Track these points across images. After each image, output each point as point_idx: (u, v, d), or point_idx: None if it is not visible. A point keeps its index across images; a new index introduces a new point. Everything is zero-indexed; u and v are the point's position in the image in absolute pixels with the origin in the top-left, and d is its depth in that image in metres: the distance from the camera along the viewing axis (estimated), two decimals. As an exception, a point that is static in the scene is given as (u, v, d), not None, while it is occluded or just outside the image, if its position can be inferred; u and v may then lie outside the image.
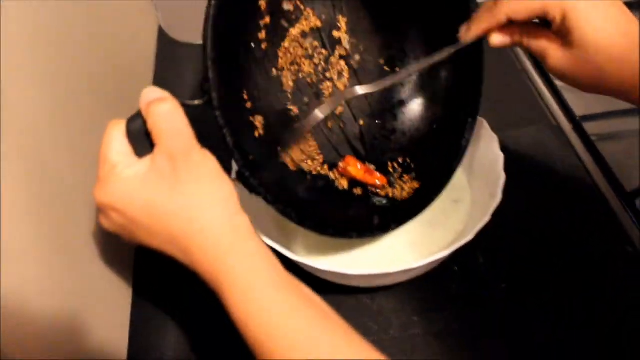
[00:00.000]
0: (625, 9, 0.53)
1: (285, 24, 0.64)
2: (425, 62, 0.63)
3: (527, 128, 0.85)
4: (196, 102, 0.51)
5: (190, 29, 1.03)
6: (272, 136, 0.62)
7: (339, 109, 0.70)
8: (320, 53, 0.68)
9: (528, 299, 0.68)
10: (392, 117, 0.73)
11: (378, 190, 0.69)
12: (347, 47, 0.70)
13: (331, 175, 0.68)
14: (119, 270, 0.66)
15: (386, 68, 0.72)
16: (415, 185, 0.69)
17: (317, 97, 0.68)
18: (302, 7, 0.64)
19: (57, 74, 0.56)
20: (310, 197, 0.65)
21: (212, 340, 0.67)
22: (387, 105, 0.73)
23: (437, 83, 0.71)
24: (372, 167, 0.70)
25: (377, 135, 0.72)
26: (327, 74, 0.69)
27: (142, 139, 0.48)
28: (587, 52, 0.52)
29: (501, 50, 0.93)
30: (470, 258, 0.70)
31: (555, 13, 0.53)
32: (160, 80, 0.95)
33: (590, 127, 0.84)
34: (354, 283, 0.64)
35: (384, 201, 0.69)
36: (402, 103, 0.73)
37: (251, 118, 0.60)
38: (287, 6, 0.63)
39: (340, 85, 0.70)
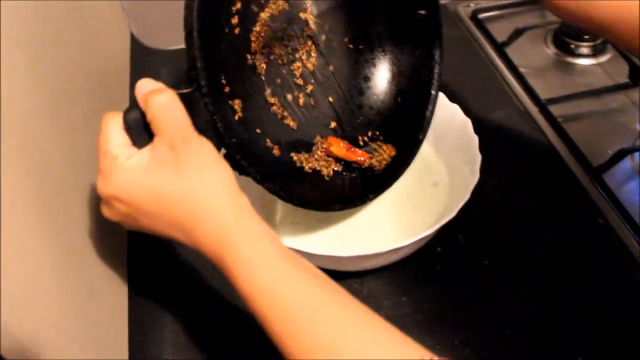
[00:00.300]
0: None
1: (255, 8, 0.65)
2: None
3: (496, 113, 0.89)
4: (185, 90, 0.52)
5: (160, 36, 1.05)
6: (250, 118, 0.64)
7: (310, 87, 0.72)
8: (289, 35, 0.70)
9: (508, 272, 0.71)
10: (358, 92, 0.76)
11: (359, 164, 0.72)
12: (314, 27, 0.72)
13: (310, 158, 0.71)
14: (114, 268, 0.67)
15: (350, 46, 0.75)
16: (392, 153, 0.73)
17: (290, 77, 0.70)
18: None
19: (40, 81, 0.57)
20: (293, 176, 0.68)
21: (209, 337, 0.68)
22: (353, 81, 0.76)
23: (402, 58, 0.76)
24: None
25: (346, 111, 0.75)
26: (297, 55, 0.71)
27: (140, 130, 0.50)
28: None
29: (470, 44, 0.99)
30: (451, 239, 0.73)
31: None
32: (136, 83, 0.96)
33: (555, 110, 0.88)
34: (345, 266, 0.66)
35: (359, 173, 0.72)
36: (367, 79, 0.76)
37: (230, 102, 0.62)
38: None
39: (309, 65, 0.72)
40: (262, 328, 0.47)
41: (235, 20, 0.62)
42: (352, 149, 0.72)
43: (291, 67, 0.71)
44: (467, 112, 0.76)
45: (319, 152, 0.71)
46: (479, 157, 0.68)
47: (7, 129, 0.46)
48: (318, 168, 0.70)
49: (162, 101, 0.48)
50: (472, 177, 0.67)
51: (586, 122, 0.88)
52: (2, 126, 0.46)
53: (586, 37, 0.97)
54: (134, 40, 1.04)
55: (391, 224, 0.73)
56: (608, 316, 0.67)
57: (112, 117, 0.51)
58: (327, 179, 0.70)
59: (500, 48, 0.99)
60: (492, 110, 0.89)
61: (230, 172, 0.51)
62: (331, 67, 0.74)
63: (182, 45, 1.05)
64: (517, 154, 0.84)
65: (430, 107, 0.73)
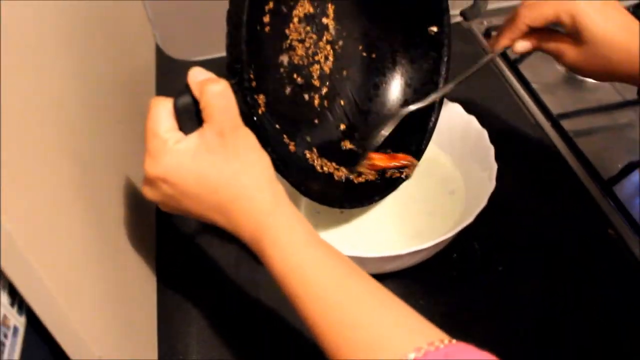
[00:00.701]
0: (622, 9, 0.64)
1: (284, 9, 0.68)
2: (461, 77, 0.74)
3: (510, 126, 0.92)
4: (231, 82, 0.54)
5: (185, 47, 1.08)
6: (271, 113, 0.66)
7: (324, 89, 0.75)
8: (311, 37, 0.73)
9: (522, 279, 0.74)
10: (367, 99, 0.80)
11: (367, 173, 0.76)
12: (333, 32, 0.75)
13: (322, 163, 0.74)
14: (144, 263, 0.70)
15: (364, 54, 0.79)
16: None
17: (308, 77, 0.73)
18: None
19: (72, 91, 0.60)
20: (306, 173, 0.71)
21: (232, 331, 0.71)
22: (363, 88, 0.80)
23: (410, 70, 0.80)
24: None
25: (355, 115, 0.79)
26: (316, 57, 0.74)
27: (189, 115, 0.53)
28: (596, 46, 0.63)
29: (482, 58, 1.01)
30: (467, 246, 0.76)
31: (565, 17, 0.64)
32: (162, 92, 0.99)
33: (566, 124, 0.91)
34: (367, 268, 0.68)
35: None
36: (376, 86, 0.81)
37: (255, 96, 0.64)
38: None
39: (326, 68, 0.75)
40: (293, 307, 0.50)
41: (267, 19, 0.64)
42: (393, 156, 0.76)
43: (310, 69, 0.73)
44: (482, 124, 0.79)
45: (362, 168, 0.76)
46: (495, 166, 0.72)
47: (55, 130, 0.50)
48: (329, 171, 0.74)
49: (217, 90, 0.51)
50: (489, 185, 0.70)
51: (596, 136, 0.91)
52: (52, 130, 0.49)
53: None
54: (159, 52, 1.08)
55: (410, 230, 0.76)
56: (619, 324, 0.69)
57: (161, 101, 0.53)
58: (336, 179, 0.74)
59: (513, 64, 1.02)
60: (506, 123, 0.92)
61: (269, 162, 0.55)
62: (345, 72, 0.77)
63: (206, 57, 1.10)
64: (530, 166, 0.86)
65: (433, 119, 0.78)
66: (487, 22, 1.11)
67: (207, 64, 1.09)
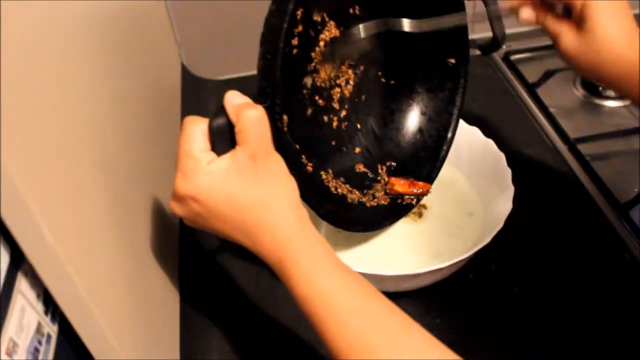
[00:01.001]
0: (631, 14, 0.65)
1: (312, 33, 0.69)
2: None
3: (528, 150, 0.94)
4: (263, 105, 0.56)
5: (210, 66, 1.11)
6: (292, 134, 0.67)
7: (343, 112, 0.77)
8: (335, 61, 0.74)
9: (537, 300, 0.75)
10: (383, 124, 0.82)
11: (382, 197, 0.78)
12: (355, 57, 0.77)
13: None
14: (167, 275, 0.72)
15: (383, 80, 0.81)
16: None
17: (329, 100, 0.75)
18: (327, 18, 0.70)
19: (104, 111, 0.62)
20: (322, 194, 0.73)
21: (251, 345, 0.73)
22: (380, 113, 0.82)
23: (426, 99, 0.82)
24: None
25: (370, 139, 0.81)
26: (337, 81, 0.75)
27: (223, 137, 0.54)
28: (594, 39, 0.64)
29: (502, 84, 1.03)
30: (483, 266, 0.77)
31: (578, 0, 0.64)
32: (186, 110, 1.03)
33: (583, 148, 0.92)
34: (385, 286, 0.70)
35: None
36: (392, 112, 0.83)
37: (278, 110, 0.66)
38: (316, 17, 0.69)
39: (346, 92, 0.76)
40: (314, 329, 0.52)
41: (295, 42, 0.66)
42: (413, 183, 0.78)
43: (331, 92, 0.75)
44: (499, 147, 0.81)
45: (376, 191, 0.78)
46: (512, 189, 0.73)
47: (89, 149, 0.52)
48: (343, 193, 0.75)
49: (254, 116, 0.53)
50: (506, 207, 0.71)
51: (613, 160, 0.92)
52: (87, 149, 0.52)
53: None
54: (185, 70, 1.11)
55: (429, 250, 0.78)
56: (637, 348, 0.70)
57: (194, 121, 0.55)
58: (349, 201, 0.75)
59: (531, 88, 1.04)
60: (523, 147, 0.94)
61: (296, 187, 0.57)
62: (363, 97, 0.79)
63: (230, 76, 1.12)
64: (547, 189, 0.88)
65: (445, 148, 0.80)
66: (507, 47, 1.13)
67: (231, 83, 1.14)
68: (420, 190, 0.78)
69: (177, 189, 0.54)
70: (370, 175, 0.80)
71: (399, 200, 0.78)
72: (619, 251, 0.79)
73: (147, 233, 0.66)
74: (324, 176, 0.74)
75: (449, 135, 0.81)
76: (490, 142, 0.80)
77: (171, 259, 0.75)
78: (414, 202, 0.79)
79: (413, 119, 0.83)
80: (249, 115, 0.53)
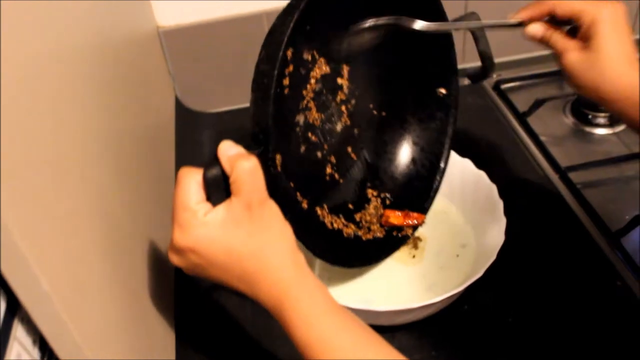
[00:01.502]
0: (633, 43, 0.67)
1: (303, 71, 0.70)
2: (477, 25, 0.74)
3: (519, 178, 0.94)
4: (256, 152, 0.58)
5: (203, 99, 1.12)
6: (286, 173, 0.68)
7: (336, 147, 0.77)
8: (326, 97, 0.75)
9: (531, 331, 0.75)
10: (376, 155, 0.83)
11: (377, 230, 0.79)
12: (346, 92, 0.78)
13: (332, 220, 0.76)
14: (163, 314, 0.72)
15: (375, 112, 0.82)
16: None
17: (321, 135, 0.76)
18: (317, 56, 0.71)
19: (98, 150, 0.63)
20: (317, 230, 0.73)
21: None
22: (373, 144, 0.83)
23: (418, 129, 0.84)
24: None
25: (363, 171, 0.82)
26: (330, 116, 0.76)
27: (218, 187, 0.55)
28: (598, 58, 0.66)
29: (493, 113, 1.04)
30: (478, 297, 0.77)
31: (587, 17, 0.66)
32: (181, 142, 1.04)
33: (574, 176, 0.93)
34: (380, 320, 0.70)
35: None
36: (385, 143, 0.84)
37: (271, 156, 0.66)
38: (306, 55, 0.70)
39: (339, 126, 0.78)
40: None
41: (286, 82, 0.67)
42: (408, 215, 0.79)
43: (324, 127, 0.76)
44: (491, 177, 0.82)
45: (365, 222, 0.78)
46: (504, 221, 0.74)
47: (82, 189, 0.52)
48: (339, 227, 0.76)
49: (248, 167, 0.53)
50: (498, 239, 0.72)
51: (604, 188, 0.93)
52: (80, 189, 0.52)
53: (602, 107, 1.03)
54: (179, 103, 1.11)
55: (422, 283, 0.78)
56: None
57: (189, 172, 0.55)
58: (345, 236, 0.76)
59: (521, 117, 1.05)
60: (514, 175, 0.95)
61: (291, 232, 0.57)
62: (356, 130, 0.80)
63: (223, 108, 1.13)
64: (539, 218, 0.88)
65: (438, 178, 0.82)
66: (497, 75, 1.14)
67: (224, 115, 1.14)
68: (415, 221, 0.78)
69: (175, 241, 0.55)
70: (365, 206, 0.80)
71: (395, 232, 0.79)
72: (612, 279, 0.80)
73: (142, 274, 0.66)
74: (319, 212, 0.74)
75: (442, 165, 0.82)
76: (482, 173, 0.81)
77: (167, 298, 0.75)
78: (409, 233, 0.79)
79: (406, 150, 0.84)
80: (243, 167, 0.53)
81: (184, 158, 1.00)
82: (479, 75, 0.77)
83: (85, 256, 0.49)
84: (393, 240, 0.79)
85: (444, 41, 0.77)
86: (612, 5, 0.67)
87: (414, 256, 0.81)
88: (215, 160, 0.55)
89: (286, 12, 0.61)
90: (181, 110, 1.11)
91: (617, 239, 0.83)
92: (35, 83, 0.46)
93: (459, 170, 0.82)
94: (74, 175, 0.50)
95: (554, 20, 0.70)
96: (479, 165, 0.84)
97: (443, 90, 0.80)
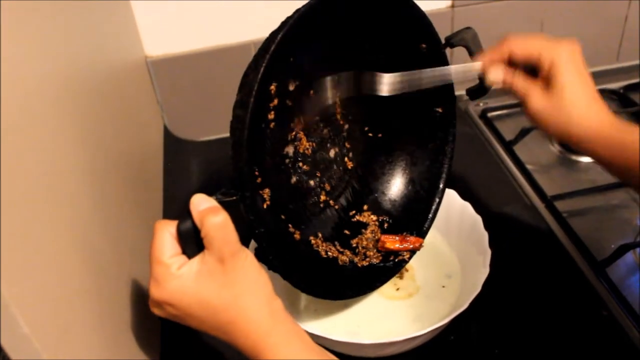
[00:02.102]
0: (594, 86, 0.68)
1: (289, 102, 0.69)
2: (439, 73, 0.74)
3: (505, 207, 0.95)
4: (232, 198, 0.58)
5: (191, 128, 1.13)
6: (276, 205, 0.68)
7: (330, 173, 0.77)
8: (317, 124, 0.75)
9: (519, 361, 0.75)
10: (373, 177, 0.83)
11: (373, 256, 0.78)
12: (339, 117, 0.77)
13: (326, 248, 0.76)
14: (149, 352, 0.71)
15: (370, 135, 0.81)
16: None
17: (312, 164, 0.75)
18: (303, 86, 0.70)
19: (93, 166, 0.64)
20: (311, 261, 0.73)
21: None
22: (369, 167, 0.82)
23: (416, 150, 0.83)
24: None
25: (360, 194, 0.81)
26: (322, 143, 0.76)
27: (191, 240, 0.55)
28: (562, 99, 0.66)
29: (479, 141, 1.05)
30: (464, 327, 0.77)
31: (546, 59, 0.67)
32: (168, 171, 1.04)
33: (560, 205, 0.94)
34: (365, 353, 0.71)
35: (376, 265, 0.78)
36: (382, 165, 0.83)
37: (261, 192, 0.66)
38: (291, 86, 0.69)
39: (332, 153, 0.77)
40: None
41: (271, 116, 0.66)
42: (405, 239, 0.78)
43: (316, 155, 0.75)
44: (477, 206, 0.82)
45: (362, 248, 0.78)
46: (489, 253, 0.74)
47: (61, 211, 0.52)
48: (334, 255, 0.75)
49: (216, 222, 0.54)
50: (483, 271, 0.72)
51: (590, 217, 0.93)
52: (57, 209, 0.52)
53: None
54: (167, 132, 1.12)
55: (408, 314, 0.78)
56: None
57: (164, 225, 0.56)
58: (340, 264, 0.75)
59: (508, 145, 1.06)
60: (500, 204, 0.95)
61: (268, 279, 0.58)
62: (351, 154, 0.80)
63: (211, 137, 1.13)
64: (525, 248, 0.89)
65: (437, 200, 0.80)
66: (483, 104, 1.15)
67: (212, 144, 1.15)
68: (412, 245, 0.78)
69: (152, 295, 0.55)
70: (362, 231, 0.80)
71: (392, 257, 0.78)
72: (597, 309, 0.80)
73: (128, 312, 0.66)
74: (313, 241, 0.74)
75: (441, 185, 0.81)
76: (467, 205, 0.82)
77: (153, 338, 0.75)
78: (407, 257, 0.78)
79: (403, 171, 0.83)
80: (212, 222, 0.54)
81: (172, 186, 1.01)
82: (477, 92, 0.77)
83: (69, 296, 0.49)
84: (389, 266, 0.78)
85: (439, 60, 0.76)
86: (568, 44, 0.68)
87: (398, 289, 0.81)
88: (187, 214, 0.56)
89: (259, 52, 0.60)
90: (169, 138, 1.11)
91: (603, 268, 0.84)
92: (19, 116, 0.46)
93: (445, 201, 0.82)
94: (57, 212, 0.50)
95: (515, 64, 0.70)
96: (465, 193, 0.84)
97: (440, 109, 0.80)
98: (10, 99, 0.44)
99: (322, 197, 0.77)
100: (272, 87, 0.64)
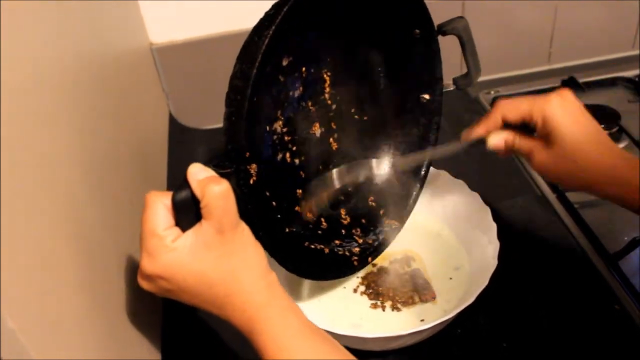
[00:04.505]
0: (592, 119, 0.66)
1: (281, 78, 0.69)
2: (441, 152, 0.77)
3: (516, 199, 0.93)
4: (227, 170, 0.57)
5: (197, 116, 1.12)
6: (262, 182, 0.66)
7: (315, 152, 0.76)
8: (306, 102, 0.74)
9: (527, 355, 0.73)
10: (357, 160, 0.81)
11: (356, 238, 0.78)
12: (327, 97, 0.76)
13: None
14: (149, 339, 0.70)
15: (356, 117, 0.80)
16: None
17: (300, 144, 0.74)
18: (296, 62, 0.69)
19: (93, 153, 0.63)
20: (294, 240, 0.72)
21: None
22: (354, 150, 0.80)
23: (400, 134, 0.82)
24: None
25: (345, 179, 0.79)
26: (309, 122, 0.75)
27: (187, 211, 0.54)
28: (564, 149, 0.65)
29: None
30: (471, 320, 0.76)
31: (537, 116, 0.66)
32: (173, 159, 1.04)
33: (572, 197, 0.91)
34: (369, 346, 0.69)
35: (356, 249, 0.77)
36: (367, 148, 0.82)
37: (248, 167, 0.64)
38: (285, 62, 0.68)
39: (318, 132, 0.76)
40: None
41: (263, 89, 0.64)
42: None
43: (303, 134, 0.74)
44: (486, 197, 0.80)
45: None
46: (497, 244, 0.72)
47: (54, 201, 0.50)
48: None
49: (219, 191, 0.52)
50: (491, 263, 0.70)
51: (602, 209, 0.91)
52: (49, 199, 0.50)
53: (602, 125, 1.01)
54: (172, 120, 1.11)
55: (417, 307, 0.76)
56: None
57: (157, 196, 0.54)
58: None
59: (519, 135, 1.03)
60: (511, 196, 0.93)
61: (263, 253, 0.57)
62: (336, 135, 0.79)
63: (217, 125, 1.12)
64: (535, 240, 0.87)
65: (418, 186, 0.80)
66: (495, 92, 1.13)
67: (218, 132, 1.12)
68: None
69: (144, 268, 0.54)
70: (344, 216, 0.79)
71: (373, 240, 0.78)
72: (609, 303, 0.78)
73: (125, 306, 0.64)
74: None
75: (423, 172, 0.81)
76: (476, 195, 0.80)
77: (153, 332, 0.74)
78: (390, 240, 0.79)
79: (387, 156, 0.83)
80: (214, 191, 0.52)
81: (176, 175, 0.99)
82: (464, 82, 0.76)
83: (60, 290, 0.48)
84: (371, 249, 0.78)
85: (429, 48, 0.76)
86: (555, 95, 0.67)
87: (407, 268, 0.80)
88: (184, 184, 0.54)
89: (262, 23, 0.59)
90: (175, 126, 1.10)
91: (615, 261, 0.82)
92: (24, 105, 0.45)
93: (453, 191, 0.81)
94: (49, 200, 0.49)
95: (511, 126, 0.70)
96: (474, 183, 0.83)
97: (427, 96, 0.79)
98: (10, 85, 0.43)
99: (305, 176, 0.76)
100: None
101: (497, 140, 0.70)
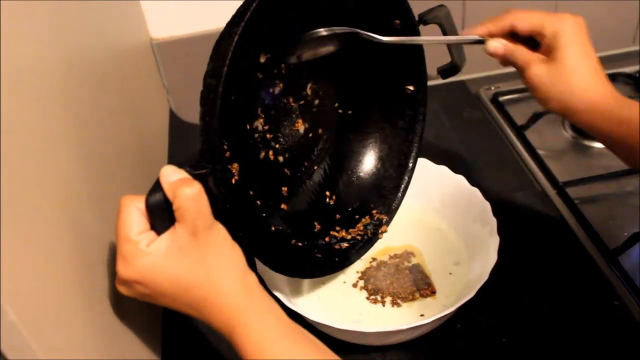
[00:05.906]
0: (597, 59, 0.68)
1: (260, 75, 0.68)
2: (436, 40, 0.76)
3: (515, 194, 0.93)
4: (203, 171, 0.56)
5: (196, 111, 1.11)
6: (244, 181, 0.65)
7: (299, 149, 0.76)
8: (287, 99, 0.73)
9: (526, 351, 0.73)
10: (343, 155, 0.82)
11: (343, 236, 0.77)
12: (309, 92, 0.76)
13: None
14: (148, 338, 0.70)
15: (340, 111, 0.80)
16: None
17: (283, 140, 0.74)
18: (275, 58, 0.68)
19: (92, 149, 0.62)
20: (280, 240, 0.72)
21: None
22: (339, 144, 0.81)
23: (386, 127, 0.82)
24: None
25: (330, 171, 0.81)
26: (292, 118, 0.75)
27: (161, 214, 0.53)
28: (564, 69, 0.66)
29: (490, 125, 1.03)
30: (471, 316, 0.76)
31: (549, 30, 0.67)
32: (173, 154, 1.04)
33: (572, 192, 0.91)
34: (369, 341, 0.69)
35: (345, 244, 0.77)
36: (351, 143, 0.82)
37: (229, 166, 0.64)
38: (262, 59, 0.67)
39: (302, 128, 0.76)
40: None
41: (242, 87, 0.63)
42: None
43: (285, 130, 0.74)
44: (486, 192, 0.80)
45: None
46: (497, 240, 0.72)
47: (53, 197, 0.50)
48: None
49: (190, 193, 0.51)
50: (491, 259, 0.70)
51: (602, 204, 0.91)
52: (48, 194, 0.50)
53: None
54: (173, 115, 1.11)
55: (416, 302, 0.76)
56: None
57: (130, 200, 0.53)
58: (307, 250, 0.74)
59: (519, 130, 1.03)
60: (511, 191, 0.93)
61: (241, 254, 0.56)
62: (320, 130, 0.78)
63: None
64: (535, 235, 0.87)
65: (406, 179, 0.80)
66: (495, 88, 1.13)
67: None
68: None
69: (120, 273, 0.53)
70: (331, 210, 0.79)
71: (361, 237, 0.78)
72: (609, 298, 0.78)
73: (125, 302, 0.64)
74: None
75: (410, 164, 0.80)
76: (476, 190, 0.80)
77: (153, 328, 0.74)
78: (380, 236, 0.78)
79: (373, 149, 0.82)
80: (185, 194, 0.51)
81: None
82: (448, 71, 0.76)
83: (59, 286, 0.48)
84: (359, 246, 0.77)
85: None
86: (573, 18, 0.67)
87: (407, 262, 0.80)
88: (157, 187, 0.53)
89: (233, 20, 0.58)
90: (175, 122, 1.10)
91: (615, 257, 0.82)
92: (24, 100, 0.45)
93: (453, 186, 0.81)
94: (49, 196, 0.49)
95: (514, 36, 0.70)
96: (474, 179, 0.83)
97: (411, 87, 0.79)
98: (10, 81, 0.43)
99: (289, 173, 0.75)
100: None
101: (497, 44, 0.70)
